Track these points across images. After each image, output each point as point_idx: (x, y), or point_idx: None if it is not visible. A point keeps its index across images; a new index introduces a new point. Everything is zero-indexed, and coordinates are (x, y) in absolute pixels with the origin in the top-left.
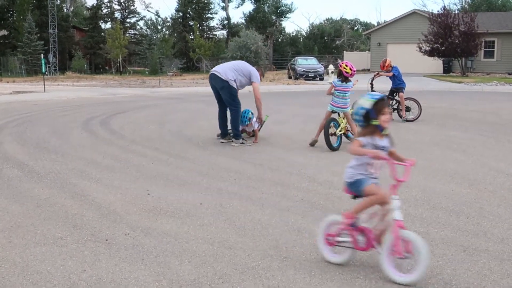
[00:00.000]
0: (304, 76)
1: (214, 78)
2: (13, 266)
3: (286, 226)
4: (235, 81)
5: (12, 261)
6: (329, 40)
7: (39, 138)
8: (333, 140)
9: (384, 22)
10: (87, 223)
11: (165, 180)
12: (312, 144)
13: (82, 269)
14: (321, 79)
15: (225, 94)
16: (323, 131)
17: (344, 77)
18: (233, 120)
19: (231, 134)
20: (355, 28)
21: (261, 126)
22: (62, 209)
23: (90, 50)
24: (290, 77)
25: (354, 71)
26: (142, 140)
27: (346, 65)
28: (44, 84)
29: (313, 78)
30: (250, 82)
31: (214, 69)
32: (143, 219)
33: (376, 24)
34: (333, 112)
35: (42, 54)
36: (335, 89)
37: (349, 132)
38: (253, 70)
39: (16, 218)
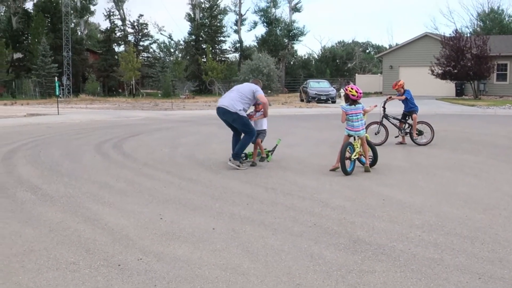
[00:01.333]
0: (316, 99)
1: (224, 112)
2: None
3: (299, 252)
4: (243, 109)
5: (25, 286)
6: (341, 63)
7: (53, 161)
8: (347, 164)
9: (396, 45)
10: (100, 247)
11: (178, 204)
12: (333, 170)
13: None
14: (333, 102)
15: (239, 125)
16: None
17: (351, 100)
18: (245, 141)
19: (243, 157)
20: (367, 51)
21: (273, 150)
22: (75, 233)
23: (103, 72)
24: (302, 100)
25: (360, 93)
26: (155, 163)
27: (352, 88)
28: (57, 107)
29: (325, 101)
30: (255, 98)
31: (220, 102)
32: (156, 244)
33: (388, 47)
34: (349, 136)
35: (56, 77)
36: (347, 114)
37: (362, 156)
38: (253, 87)
39: (29, 242)
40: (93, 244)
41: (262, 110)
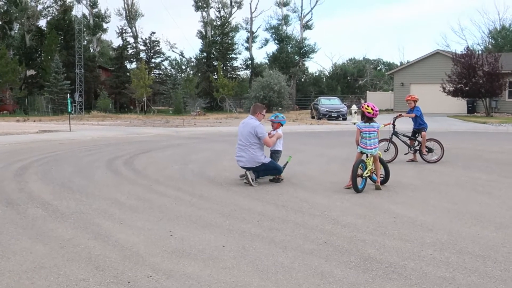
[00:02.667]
0: (327, 116)
1: (248, 168)
2: None
3: (310, 270)
4: (262, 154)
5: None
6: (352, 80)
7: (64, 177)
8: (359, 182)
9: (407, 62)
10: (110, 264)
11: (188, 221)
12: (348, 187)
13: None
14: (344, 119)
15: (268, 172)
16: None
17: (367, 118)
18: (271, 173)
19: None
20: (378, 68)
21: (284, 167)
22: (85, 250)
23: (115, 89)
24: (313, 117)
25: (376, 111)
26: (166, 180)
27: (368, 106)
28: (69, 123)
29: (336, 118)
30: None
31: (240, 160)
32: (166, 261)
33: (399, 64)
34: (362, 153)
35: (68, 94)
36: (361, 132)
37: (373, 174)
38: (254, 126)
39: (40, 259)
40: (103, 261)
41: (279, 128)
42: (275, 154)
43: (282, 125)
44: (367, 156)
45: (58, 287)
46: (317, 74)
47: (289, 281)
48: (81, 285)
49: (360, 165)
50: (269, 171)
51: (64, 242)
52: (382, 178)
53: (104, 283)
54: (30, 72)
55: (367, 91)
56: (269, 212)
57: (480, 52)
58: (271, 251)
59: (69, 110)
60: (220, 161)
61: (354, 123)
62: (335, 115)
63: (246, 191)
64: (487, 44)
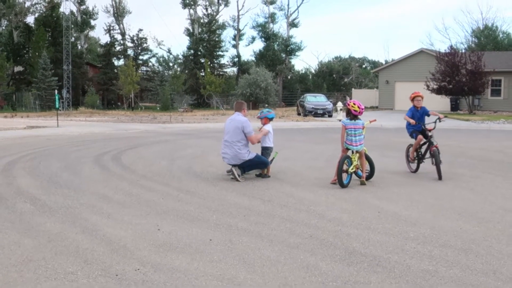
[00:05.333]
0: (313, 113)
1: (233, 164)
2: None
3: (296, 263)
4: (247, 150)
5: None
6: (338, 78)
7: (52, 173)
8: (344, 177)
9: (392, 60)
10: (98, 258)
11: (175, 216)
12: (334, 183)
13: None
14: (330, 116)
15: (253, 166)
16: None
17: (352, 115)
18: (258, 167)
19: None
20: (364, 66)
21: (270, 162)
22: (73, 243)
23: (103, 86)
24: (299, 114)
25: (362, 109)
26: (153, 176)
27: (354, 104)
28: (57, 119)
29: (322, 115)
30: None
31: (226, 157)
32: (153, 254)
33: (384, 62)
34: (347, 149)
35: (56, 90)
36: (346, 128)
37: (359, 170)
38: (241, 121)
39: (28, 252)
40: (91, 255)
41: (269, 123)
42: (265, 150)
43: (270, 119)
44: (352, 152)
45: (46, 280)
46: (303, 72)
47: (275, 274)
48: (69, 278)
49: (345, 161)
50: (255, 166)
51: (52, 236)
52: (367, 174)
53: (92, 276)
54: (18, 68)
55: (353, 89)
56: (256, 207)
57: (463, 51)
58: (257, 245)
59: (57, 106)
60: (207, 157)
61: (340, 120)
62: (321, 112)
63: (232, 186)
64: (470, 43)
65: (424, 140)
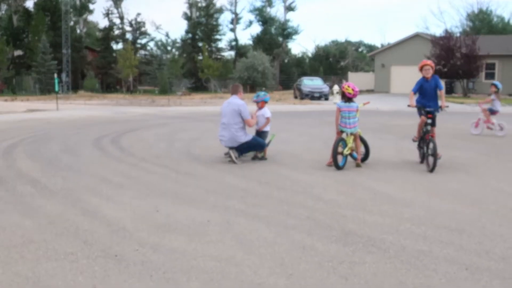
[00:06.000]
0: (309, 96)
1: (230, 146)
2: (25, 281)
3: (292, 244)
4: (244, 133)
5: (24, 275)
6: (334, 61)
7: (52, 156)
8: (339, 159)
9: (388, 44)
10: (98, 239)
11: (174, 197)
12: (330, 165)
13: (92, 285)
14: (326, 99)
15: (250, 147)
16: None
17: (347, 98)
18: (255, 149)
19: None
20: (360, 49)
21: (268, 145)
22: (73, 225)
23: (102, 70)
24: (296, 97)
25: (356, 91)
26: (152, 158)
27: (348, 86)
28: (57, 103)
29: (319, 98)
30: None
31: (223, 140)
32: (152, 235)
33: (380, 46)
34: (342, 131)
35: (55, 74)
36: (340, 111)
37: (354, 152)
38: (238, 104)
39: (29, 234)
40: (91, 236)
41: (264, 107)
42: (262, 134)
43: (266, 102)
44: (347, 135)
45: (47, 261)
46: (300, 56)
47: (272, 254)
48: (70, 258)
49: (340, 143)
50: (252, 148)
51: (52, 217)
52: (362, 156)
53: (92, 257)
54: (18, 52)
55: (349, 72)
56: (253, 189)
57: (458, 34)
58: (254, 226)
59: (57, 89)
60: (205, 140)
61: (335, 103)
62: (318, 95)
63: (230, 169)
64: (465, 27)
65: (429, 121)
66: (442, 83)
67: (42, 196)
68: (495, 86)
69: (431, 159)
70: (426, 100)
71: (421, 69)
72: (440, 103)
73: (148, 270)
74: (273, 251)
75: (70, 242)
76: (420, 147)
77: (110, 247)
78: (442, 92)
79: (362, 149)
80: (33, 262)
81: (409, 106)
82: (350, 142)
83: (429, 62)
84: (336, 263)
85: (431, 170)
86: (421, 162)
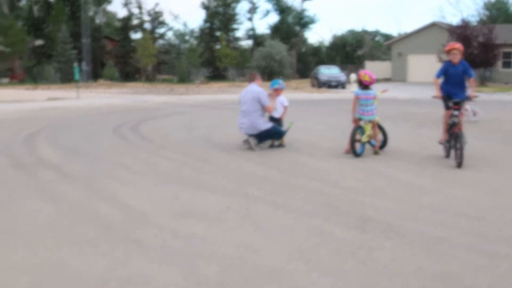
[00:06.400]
0: (326, 85)
1: (250, 134)
2: (47, 264)
3: (310, 230)
4: (263, 121)
5: (46, 259)
6: (351, 51)
7: (72, 143)
8: (357, 147)
9: (405, 33)
10: (118, 224)
11: (193, 184)
12: (347, 153)
13: (114, 268)
14: (343, 87)
15: (270, 135)
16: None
17: (364, 86)
18: (273, 137)
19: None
20: (376, 39)
21: (286, 132)
22: (94, 210)
23: (121, 59)
24: (313, 86)
25: (373, 79)
26: (171, 145)
27: (365, 74)
28: (77, 91)
29: (336, 87)
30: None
31: (242, 127)
32: (172, 221)
33: (396, 35)
34: (360, 119)
35: (75, 63)
36: (358, 99)
37: (372, 139)
38: (257, 92)
39: (51, 219)
40: (112, 221)
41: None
42: (278, 122)
43: (283, 90)
44: (365, 122)
45: (68, 245)
46: (317, 45)
47: (290, 240)
48: (91, 243)
49: (358, 131)
50: (271, 136)
51: (73, 203)
52: (380, 144)
53: (113, 242)
54: (38, 42)
55: (366, 61)
56: (271, 176)
57: (475, 23)
58: (273, 213)
59: (77, 78)
60: (223, 128)
61: (352, 92)
62: (335, 84)
63: (248, 156)
64: (482, 16)
65: (456, 113)
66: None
67: (63, 182)
68: None
69: (459, 153)
70: (450, 86)
71: (448, 52)
72: (468, 91)
73: (167, 255)
74: (291, 237)
75: (91, 227)
76: (447, 141)
77: (130, 232)
78: (471, 80)
79: (380, 136)
80: (55, 246)
81: (435, 97)
82: (368, 130)
83: (457, 45)
84: (354, 249)
85: (459, 165)
86: (447, 156)
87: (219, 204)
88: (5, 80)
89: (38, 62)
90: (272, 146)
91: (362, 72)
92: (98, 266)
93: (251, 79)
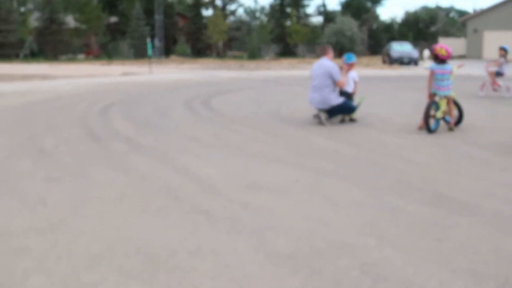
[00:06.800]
0: (398, 62)
1: (322, 108)
2: (117, 233)
3: (382, 206)
4: (335, 96)
5: (116, 228)
6: (424, 27)
7: (145, 116)
8: (431, 123)
9: (481, 9)
10: (188, 195)
11: (263, 157)
12: (421, 128)
13: (183, 238)
14: (416, 64)
15: (341, 110)
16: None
17: (440, 60)
18: (343, 112)
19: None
20: (451, 15)
21: (357, 107)
22: (164, 182)
23: (192, 35)
24: (384, 63)
25: (450, 53)
26: (241, 119)
27: (441, 48)
28: (150, 67)
29: (408, 64)
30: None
31: (313, 101)
32: (241, 193)
33: (471, 12)
34: (435, 94)
35: (148, 39)
36: (434, 73)
37: (447, 115)
38: (329, 66)
39: (122, 189)
40: (182, 192)
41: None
42: (349, 96)
43: (354, 64)
44: (440, 98)
45: (140, 213)
46: (389, 21)
47: (362, 215)
48: (162, 212)
49: (432, 106)
50: (342, 111)
51: (144, 174)
52: (456, 120)
53: (183, 212)
54: (113, 19)
55: (439, 38)
56: (342, 150)
57: None
58: (343, 187)
59: (149, 53)
60: (293, 103)
61: (426, 68)
62: (407, 61)
63: (318, 131)
64: None
65: None
66: None
67: (135, 153)
68: (504, 49)
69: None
70: None
71: None
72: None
73: (236, 226)
74: (362, 211)
75: (162, 197)
76: None
77: (199, 203)
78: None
79: (455, 112)
80: (127, 216)
81: None
82: (443, 106)
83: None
84: (429, 225)
85: None
86: None
87: (289, 177)
88: (81, 56)
89: (113, 39)
90: (343, 121)
91: (438, 46)
92: (167, 236)
93: (322, 53)
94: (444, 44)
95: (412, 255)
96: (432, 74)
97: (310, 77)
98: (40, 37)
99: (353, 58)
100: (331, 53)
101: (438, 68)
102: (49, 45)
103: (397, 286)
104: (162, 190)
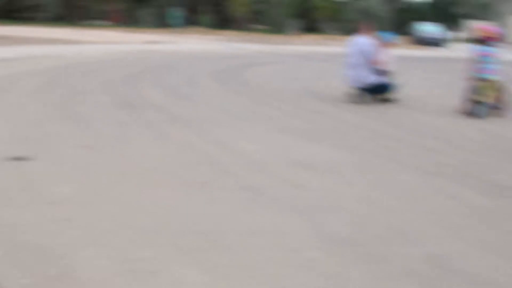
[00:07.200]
0: (426, 42)
1: (358, 86)
2: (159, 208)
3: (438, 191)
4: (371, 75)
5: (159, 203)
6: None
7: (174, 86)
8: (474, 107)
9: None
10: (230, 170)
11: (302, 134)
12: (460, 111)
13: (233, 216)
14: (443, 46)
15: (377, 89)
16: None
17: (482, 42)
18: (380, 91)
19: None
20: None
21: (393, 87)
22: (204, 154)
23: (216, 7)
24: (411, 43)
25: (496, 34)
26: (273, 93)
27: (486, 29)
28: (173, 36)
29: (436, 45)
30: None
31: (348, 79)
32: (285, 171)
33: None
34: (477, 78)
35: (171, 8)
36: (476, 55)
37: (492, 100)
38: (364, 44)
39: (158, 160)
40: (224, 167)
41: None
42: (383, 73)
43: (390, 43)
44: (483, 81)
45: (180, 186)
46: (417, 2)
47: (415, 198)
48: (207, 187)
49: (476, 90)
50: (378, 90)
51: (182, 146)
52: (500, 106)
53: (228, 186)
54: None
55: (468, 20)
56: (382, 130)
57: None
58: (390, 168)
59: (173, 23)
60: (324, 79)
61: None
62: (434, 42)
63: (353, 109)
64: None
65: None
66: None
67: (170, 123)
68: None
69: None
70: None
71: None
72: None
73: (281, 204)
74: (414, 195)
75: (204, 171)
76: None
77: (242, 179)
78: None
79: (501, 98)
80: (166, 189)
81: None
82: (486, 90)
83: None
84: (492, 216)
85: None
86: None
87: (334, 156)
88: (103, 22)
89: (135, 6)
90: (382, 100)
91: (481, 27)
92: (208, 211)
93: (361, 31)
94: (489, 25)
95: (473, 247)
96: (475, 56)
97: (347, 54)
98: (62, 1)
99: (392, 37)
100: (369, 31)
101: (481, 50)
102: (72, 10)
103: (466, 279)
104: (202, 163)
